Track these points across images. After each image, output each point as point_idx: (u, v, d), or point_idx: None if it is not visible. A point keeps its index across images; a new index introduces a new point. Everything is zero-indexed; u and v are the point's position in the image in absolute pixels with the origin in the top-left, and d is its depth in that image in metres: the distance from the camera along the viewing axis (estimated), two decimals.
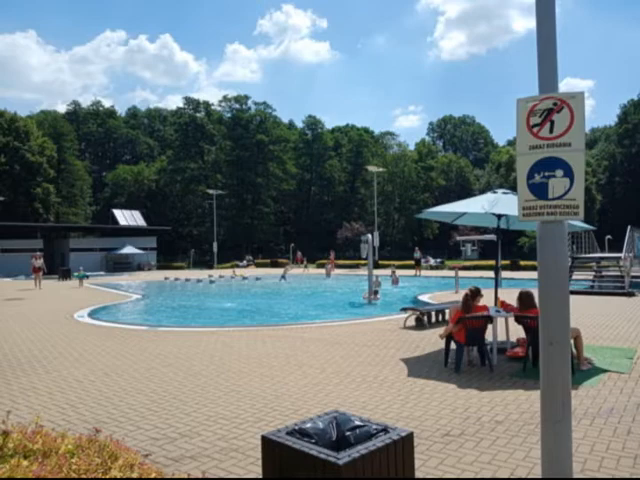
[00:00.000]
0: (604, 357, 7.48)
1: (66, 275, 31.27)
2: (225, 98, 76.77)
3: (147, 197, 72.19)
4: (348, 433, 3.00)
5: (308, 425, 3.06)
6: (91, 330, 11.10)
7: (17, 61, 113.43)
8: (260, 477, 3.41)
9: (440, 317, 11.59)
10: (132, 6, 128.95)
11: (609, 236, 32.72)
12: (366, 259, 16.91)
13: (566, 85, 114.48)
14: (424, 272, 32.82)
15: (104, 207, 69.07)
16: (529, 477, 3.77)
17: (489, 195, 8.63)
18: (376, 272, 19.22)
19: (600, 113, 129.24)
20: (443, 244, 60.69)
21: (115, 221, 48.69)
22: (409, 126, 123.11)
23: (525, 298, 7.35)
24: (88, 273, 30.06)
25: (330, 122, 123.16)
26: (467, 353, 7.46)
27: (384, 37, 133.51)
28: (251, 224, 70.35)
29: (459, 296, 12.69)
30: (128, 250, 43.12)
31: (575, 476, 3.33)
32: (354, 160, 76.70)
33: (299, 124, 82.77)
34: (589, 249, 19.42)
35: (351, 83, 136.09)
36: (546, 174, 3.04)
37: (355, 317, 12.90)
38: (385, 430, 2.96)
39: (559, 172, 3.01)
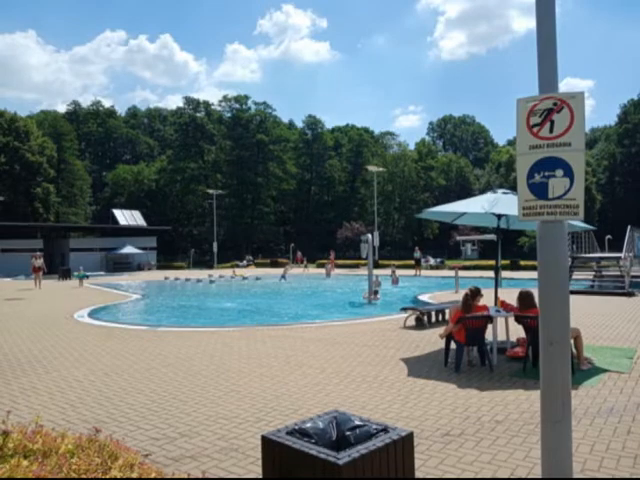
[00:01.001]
0: (604, 357, 7.48)
1: (66, 275, 31.28)
2: (225, 98, 76.83)
3: (147, 197, 72.18)
4: (348, 433, 3.00)
5: (308, 425, 3.06)
6: (91, 330, 11.10)
7: (17, 61, 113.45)
8: (260, 477, 3.41)
9: (440, 317, 11.59)
10: (132, 6, 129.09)
11: (609, 236, 32.70)
12: (366, 259, 16.91)
13: (566, 85, 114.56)
14: (424, 272, 32.83)
15: (104, 207, 69.06)
16: (529, 477, 3.77)
17: (489, 195, 8.63)
18: (376, 272, 19.21)
19: (600, 113, 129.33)
20: (443, 244, 60.70)
21: (115, 221, 48.68)
22: (409, 126, 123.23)
23: (525, 298, 7.35)
24: (88, 273, 30.05)
25: (330, 122, 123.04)
26: (467, 353, 7.46)
27: (384, 37, 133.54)
28: (251, 224, 70.38)
29: (459, 296, 12.68)
30: (128, 250, 43.13)
31: (575, 476, 3.33)
32: (354, 160, 76.72)
33: (299, 124, 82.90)
34: (589, 249, 19.41)
35: (351, 83, 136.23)
36: (546, 174, 3.04)
37: (355, 317, 12.90)
38: (385, 430, 2.96)
39: (559, 172, 3.01)
